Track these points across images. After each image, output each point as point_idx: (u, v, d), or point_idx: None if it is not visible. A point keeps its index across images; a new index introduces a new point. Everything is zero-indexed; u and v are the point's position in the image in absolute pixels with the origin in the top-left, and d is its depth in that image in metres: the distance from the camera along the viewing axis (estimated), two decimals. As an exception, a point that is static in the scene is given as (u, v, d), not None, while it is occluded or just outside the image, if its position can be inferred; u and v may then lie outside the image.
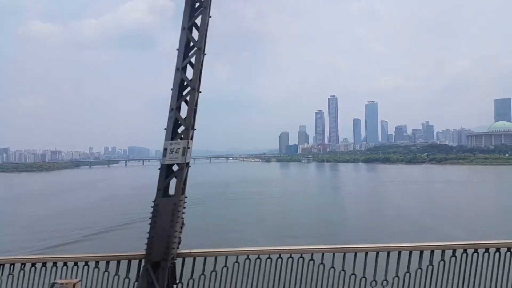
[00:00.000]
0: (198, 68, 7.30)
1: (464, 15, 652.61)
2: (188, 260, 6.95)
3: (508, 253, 6.50)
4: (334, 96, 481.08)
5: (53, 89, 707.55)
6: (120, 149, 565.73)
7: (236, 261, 6.82)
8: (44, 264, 6.66)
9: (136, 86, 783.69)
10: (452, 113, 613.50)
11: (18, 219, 55.68)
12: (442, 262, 6.55)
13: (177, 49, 7.27)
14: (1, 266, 6.79)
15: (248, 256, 6.80)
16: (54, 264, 6.68)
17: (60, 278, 6.53)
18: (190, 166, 7.50)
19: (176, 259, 6.81)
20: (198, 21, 7.33)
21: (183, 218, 7.19)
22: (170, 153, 7.07)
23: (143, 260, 6.67)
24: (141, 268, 6.70)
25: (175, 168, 7.19)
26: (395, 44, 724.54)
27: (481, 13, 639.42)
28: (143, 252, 6.72)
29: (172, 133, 7.32)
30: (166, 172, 7.18)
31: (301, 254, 6.66)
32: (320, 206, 66.08)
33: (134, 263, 6.84)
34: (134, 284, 6.73)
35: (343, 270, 6.65)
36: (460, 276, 6.58)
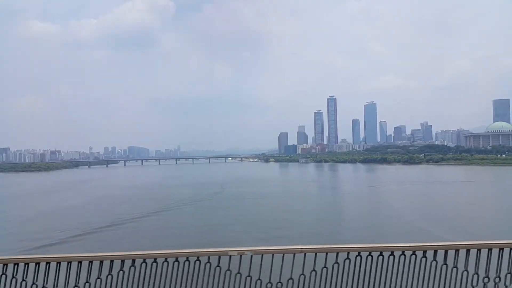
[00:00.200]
0: None
1: (464, 15, 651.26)
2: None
3: (501, 252, 6.49)
4: (333, 96, 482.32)
5: (53, 89, 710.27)
6: (120, 149, 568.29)
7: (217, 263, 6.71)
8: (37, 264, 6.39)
9: (136, 85, 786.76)
10: (451, 113, 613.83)
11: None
12: (434, 262, 6.56)
13: None
14: None
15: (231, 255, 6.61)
16: (48, 264, 6.41)
17: (55, 277, 6.36)
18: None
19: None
20: None
21: None
22: None
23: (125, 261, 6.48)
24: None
25: None
26: (395, 44, 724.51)
27: (481, 13, 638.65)
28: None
29: None
30: None
31: (294, 254, 6.57)
32: (310, 205, 66.48)
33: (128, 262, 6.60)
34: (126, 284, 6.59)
35: (333, 269, 6.60)
36: (453, 276, 6.59)
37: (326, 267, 6.64)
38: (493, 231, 39.15)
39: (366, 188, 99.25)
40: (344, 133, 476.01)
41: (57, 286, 6.33)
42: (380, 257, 6.57)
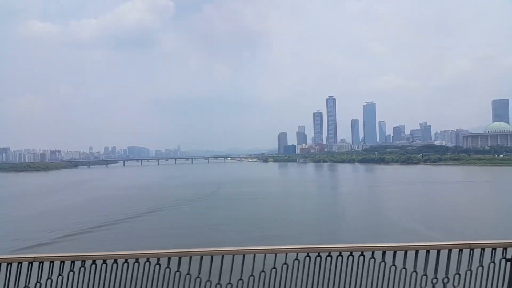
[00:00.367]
0: None
1: (464, 15, 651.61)
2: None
3: (494, 253, 6.53)
4: (333, 96, 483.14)
5: (53, 89, 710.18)
6: (120, 149, 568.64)
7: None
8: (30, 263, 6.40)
9: (136, 86, 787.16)
10: (451, 113, 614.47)
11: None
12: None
13: None
14: None
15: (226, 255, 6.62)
16: (41, 263, 6.41)
17: (48, 276, 6.42)
18: None
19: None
20: None
21: None
22: None
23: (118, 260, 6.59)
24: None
25: None
26: (395, 44, 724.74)
27: (481, 13, 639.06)
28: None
29: None
30: None
31: (286, 254, 6.50)
32: (310, 205, 66.93)
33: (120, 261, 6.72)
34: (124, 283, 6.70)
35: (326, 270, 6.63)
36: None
37: (326, 267, 6.61)
38: (493, 231, 39.44)
39: (365, 188, 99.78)
40: (344, 133, 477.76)
41: (50, 285, 6.36)
42: (380, 257, 6.56)
